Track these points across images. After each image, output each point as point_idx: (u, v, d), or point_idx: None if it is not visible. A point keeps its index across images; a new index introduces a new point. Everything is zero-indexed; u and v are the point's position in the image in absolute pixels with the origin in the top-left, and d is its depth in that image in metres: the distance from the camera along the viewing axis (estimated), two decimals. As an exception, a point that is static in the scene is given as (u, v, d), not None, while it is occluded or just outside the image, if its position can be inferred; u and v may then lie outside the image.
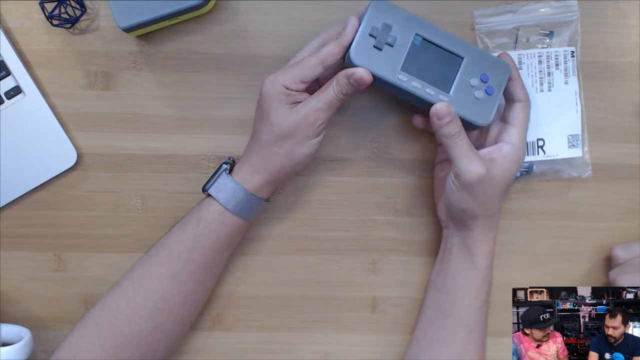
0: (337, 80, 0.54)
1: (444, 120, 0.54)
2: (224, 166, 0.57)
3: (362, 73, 0.53)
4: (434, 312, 0.59)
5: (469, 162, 0.53)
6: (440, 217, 0.60)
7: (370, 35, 0.55)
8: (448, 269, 0.58)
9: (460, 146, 0.54)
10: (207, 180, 0.57)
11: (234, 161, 0.59)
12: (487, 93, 0.56)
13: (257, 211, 0.58)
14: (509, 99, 0.58)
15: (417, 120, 0.60)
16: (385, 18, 0.55)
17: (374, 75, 0.55)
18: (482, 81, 0.56)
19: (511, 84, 0.57)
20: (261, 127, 0.55)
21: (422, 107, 0.57)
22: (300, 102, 0.55)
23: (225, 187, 0.56)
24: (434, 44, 0.56)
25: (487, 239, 0.57)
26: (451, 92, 0.56)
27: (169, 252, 0.56)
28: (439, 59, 0.56)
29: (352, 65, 0.54)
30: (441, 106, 0.54)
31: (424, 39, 0.56)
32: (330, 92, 0.54)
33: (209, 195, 0.57)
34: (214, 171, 0.62)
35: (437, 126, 0.54)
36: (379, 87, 0.57)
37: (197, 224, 0.56)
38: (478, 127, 0.57)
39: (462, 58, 0.56)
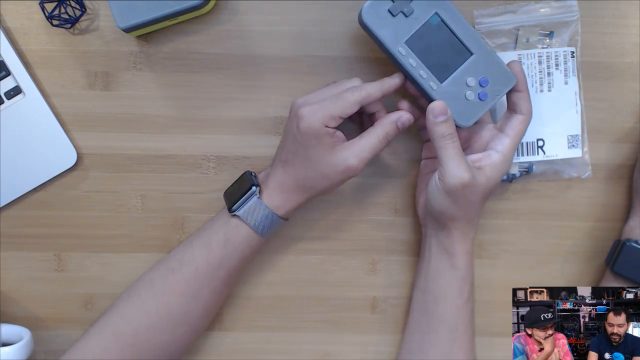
0: (382, 126, 0.55)
1: (439, 118, 0.53)
2: (254, 188, 0.56)
3: (407, 116, 0.55)
4: (420, 314, 0.60)
5: (456, 166, 0.53)
6: (420, 215, 0.60)
7: None
8: (429, 270, 0.58)
9: (450, 148, 0.53)
10: (233, 201, 0.56)
11: (255, 176, 0.58)
12: (479, 98, 0.56)
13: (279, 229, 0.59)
14: (511, 109, 0.57)
15: (403, 105, 0.57)
16: None
17: (376, 38, 0.54)
18: (480, 85, 0.56)
19: (517, 96, 0.56)
20: (297, 160, 0.55)
21: (419, 91, 0.56)
22: (337, 141, 0.54)
23: (257, 213, 0.56)
24: (450, 29, 0.55)
25: (465, 239, 0.57)
26: (444, 82, 0.55)
27: (194, 271, 0.56)
28: (448, 46, 0.55)
29: (362, 23, 0.54)
30: (439, 104, 0.54)
31: (442, 20, 0.55)
32: (374, 140, 0.54)
33: (234, 215, 0.56)
34: (217, 174, 0.62)
35: (431, 123, 0.54)
36: (383, 52, 0.56)
37: (224, 244, 0.56)
38: (457, 127, 0.56)
39: (472, 54, 0.55)
